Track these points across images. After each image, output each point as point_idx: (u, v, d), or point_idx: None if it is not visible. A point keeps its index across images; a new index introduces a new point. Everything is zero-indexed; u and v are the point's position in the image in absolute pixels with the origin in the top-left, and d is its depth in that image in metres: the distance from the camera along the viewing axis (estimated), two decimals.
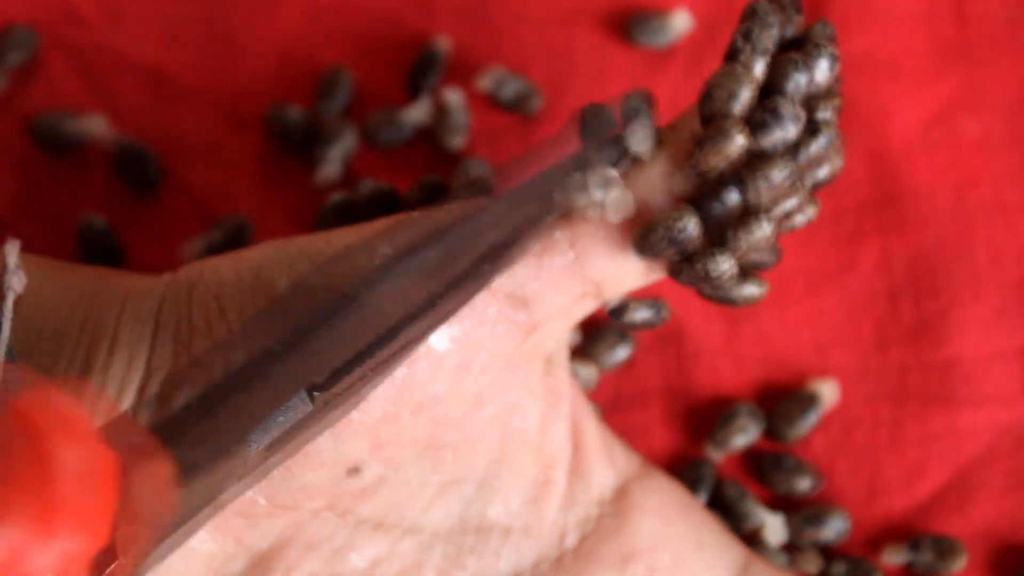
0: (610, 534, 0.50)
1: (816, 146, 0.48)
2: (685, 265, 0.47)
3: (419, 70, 0.61)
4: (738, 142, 0.46)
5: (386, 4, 0.62)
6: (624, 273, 0.48)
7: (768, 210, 0.47)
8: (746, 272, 0.49)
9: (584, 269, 0.48)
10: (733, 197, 0.47)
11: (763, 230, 0.47)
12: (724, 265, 0.47)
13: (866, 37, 0.61)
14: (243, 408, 0.41)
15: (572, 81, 0.61)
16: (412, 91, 0.61)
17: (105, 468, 0.38)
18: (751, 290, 0.49)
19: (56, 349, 0.47)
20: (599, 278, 0.48)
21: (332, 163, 0.60)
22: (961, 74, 0.61)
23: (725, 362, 0.58)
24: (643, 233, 0.47)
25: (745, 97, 0.47)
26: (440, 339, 0.47)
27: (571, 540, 0.50)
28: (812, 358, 0.58)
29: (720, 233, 0.47)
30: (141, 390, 0.47)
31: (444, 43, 0.61)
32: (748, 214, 0.47)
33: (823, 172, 0.49)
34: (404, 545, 0.49)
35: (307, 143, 0.61)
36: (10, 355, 0.46)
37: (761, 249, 0.48)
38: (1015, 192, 0.59)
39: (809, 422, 0.57)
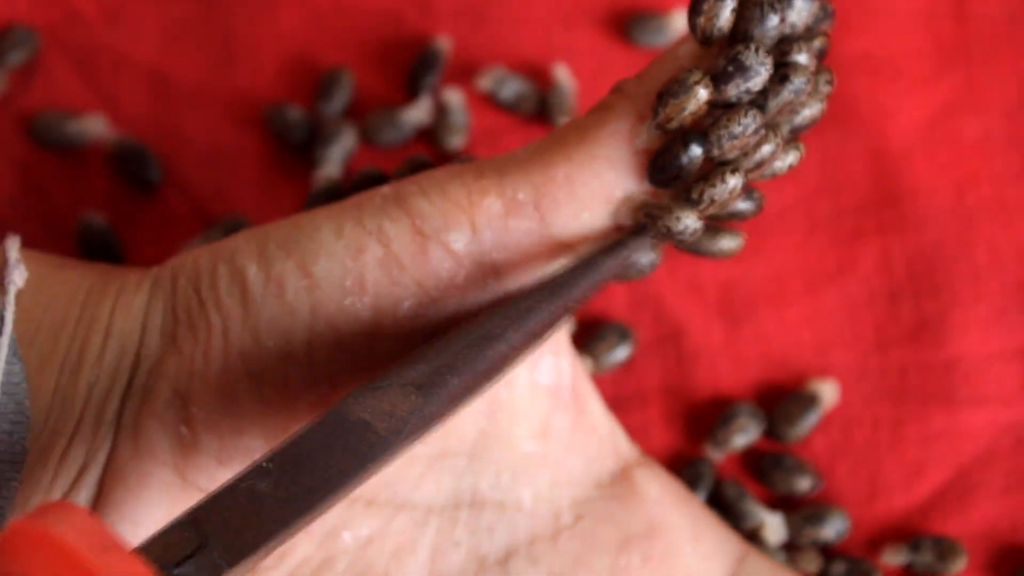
0: (607, 518, 0.50)
1: (786, 93, 0.45)
2: (649, 222, 0.46)
3: (419, 70, 0.61)
4: (699, 95, 0.45)
5: (386, 4, 0.62)
6: (591, 232, 0.47)
7: (735, 164, 0.45)
8: (717, 226, 0.48)
9: (550, 230, 0.47)
10: (696, 152, 0.45)
11: (728, 185, 0.45)
12: (686, 223, 0.46)
13: (866, 37, 0.61)
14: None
15: (572, 81, 0.61)
16: (412, 91, 0.61)
17: None
18: (726, 243, 0.48)
19: (54, 341, 0.47)
20: (567, 238, 0.47)
21: (332, 163, 0.60)
22: (961, 74, 0.61)
23: (725, 362, 0.58)
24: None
25: (725, 20, 0.45)
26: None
27: (566, 519, 0.50)
28: (812, 358, 0.58)
29: (685, 190, 0.46)
30: (130, 380, 0.47)
31: (444, 43, 0.61)
32: (714, 169, 0.46)
33: (802, 116, 0.47)
34: (398, 523, 0.49)
35: (307, 143, 0.61)
36: (12, 346, 0.46)
37: (730, 204, 0.46)
38: (1015, 192, 0.59)
39: (809, 422, 0.57)
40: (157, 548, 0.41)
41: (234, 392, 0.47)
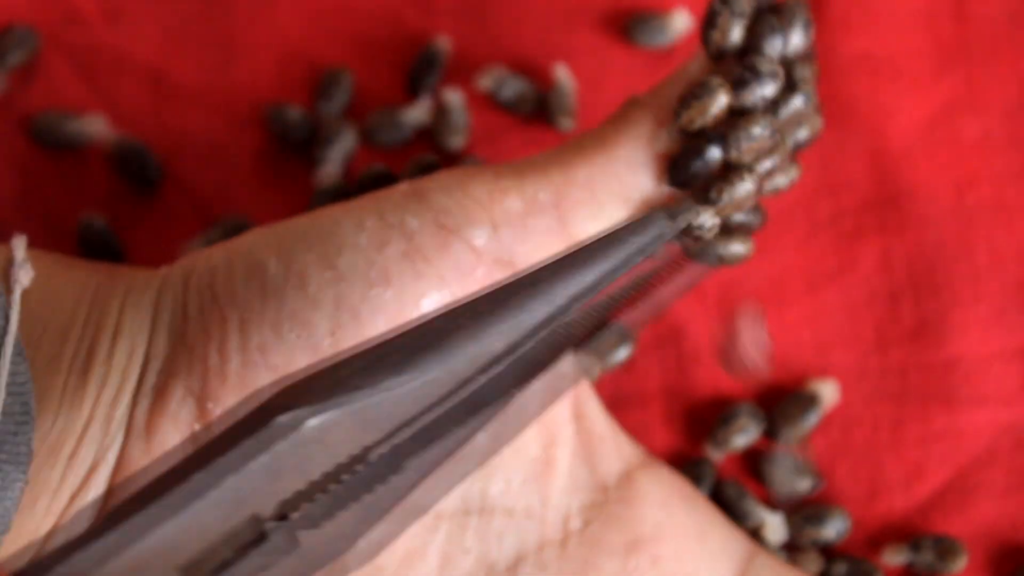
0: (614, 521, 0.50)
1: (795, 103, 0.49)
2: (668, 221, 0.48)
3: (419, 70, 0.61)
4: (720, 99, 0.48)
5: (386, 4, 0.62)
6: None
7: (750, 167, 0.48)
8: (731, 229, 0.49)
9: (569, 230, 0.48)
10: (715, 154, 0.48)
11: (746, 186, 0.48)
12: (705, 219, 0.48)
13: (866, 37, 0.61)
14: (179, 531, 0.41)
15: (572, 81, 0.61)
16: (412, 91, 0.61)
17: None
18: (737, 248, 0.50)
19: (61, 340, 0.47)
20: (584, 237, 0.48)
21: (332, 163, 0.60)
22: (961, 74, 0.61)
23: None
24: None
25: (737, 35, 0.48)
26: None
27: (575, 524, 0.50)
28: (812, 358, 0.58)
29: (703, 190, 0.48)
30: (140, 379, 0.47)
31: (444, 43, 0.61)
32: (731, 171, 0.48)
33: (803, 133, 0.49)
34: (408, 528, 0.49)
35: (307, 143, 0.61)
36: (17, 346, 0.46)
37: (744, 207, 0.48)
38: (1015, 192, 0.59)
39: (809, 422, 0.57)
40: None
41: (254, 388, 0.47)
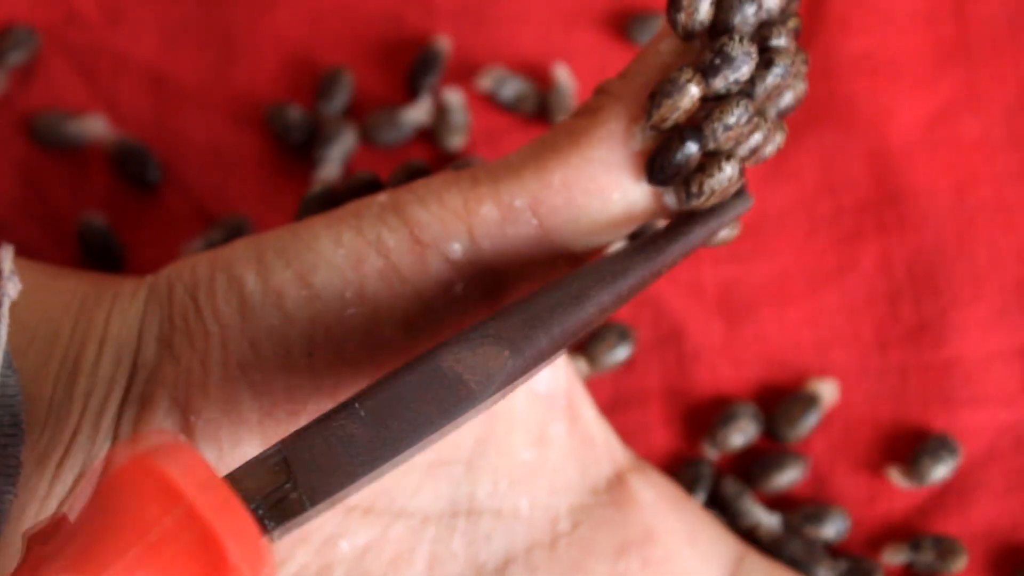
0: (604, 524, 0.50)
1: (772, 78, 0.46)
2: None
3: (419, 70, 0.61)
4: (691, 92, 0.45)
5: (386, 4, 0.62)
6: (591, 235, 0.47)
7: (729, 153, 0.46)
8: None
9: (550, 236, 0.47)
10: (692, 148, 0.46)
11: (725, 174, 0.46)
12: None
13: (866, 37, 0.61)
14: None
15: (572, 81, 0.61)
16: (412, 91, 0.61)
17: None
18: (723, 232, 0.48)
19: (49, 350, 0.47)
20: (566, 243, 0.47)
21: (332, 163, 0.60)
22: (961, 74, 0.61)
23: (725, 362, 0.58)
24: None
25: (704, 13, 0.46)
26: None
27: (563, 526, 0.50)
28: (812, 358, 0.58)
29: (684, 184, 0.46)
30: (127, 389, 0.47)
31: (444, 43, 0.61)
32: (709, 159, 0.46)
33: (787, 99, 0.47)
34: (395, 530, 0.49)
35: (307, 143, 0.61)
36: (7, 358, 0.46)
37: (730, 192, 0.47)
38: (1015, 192, 0.59)
39: (809, 422, 0.57)
40: (245, 480, 0.42)
41: (234, 402, 0.46)
